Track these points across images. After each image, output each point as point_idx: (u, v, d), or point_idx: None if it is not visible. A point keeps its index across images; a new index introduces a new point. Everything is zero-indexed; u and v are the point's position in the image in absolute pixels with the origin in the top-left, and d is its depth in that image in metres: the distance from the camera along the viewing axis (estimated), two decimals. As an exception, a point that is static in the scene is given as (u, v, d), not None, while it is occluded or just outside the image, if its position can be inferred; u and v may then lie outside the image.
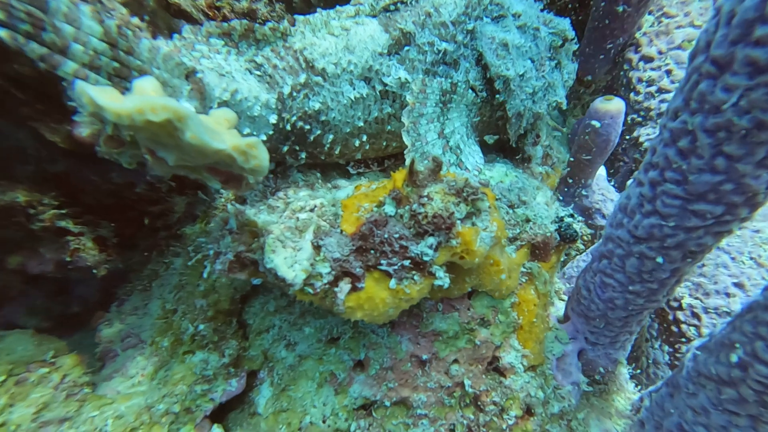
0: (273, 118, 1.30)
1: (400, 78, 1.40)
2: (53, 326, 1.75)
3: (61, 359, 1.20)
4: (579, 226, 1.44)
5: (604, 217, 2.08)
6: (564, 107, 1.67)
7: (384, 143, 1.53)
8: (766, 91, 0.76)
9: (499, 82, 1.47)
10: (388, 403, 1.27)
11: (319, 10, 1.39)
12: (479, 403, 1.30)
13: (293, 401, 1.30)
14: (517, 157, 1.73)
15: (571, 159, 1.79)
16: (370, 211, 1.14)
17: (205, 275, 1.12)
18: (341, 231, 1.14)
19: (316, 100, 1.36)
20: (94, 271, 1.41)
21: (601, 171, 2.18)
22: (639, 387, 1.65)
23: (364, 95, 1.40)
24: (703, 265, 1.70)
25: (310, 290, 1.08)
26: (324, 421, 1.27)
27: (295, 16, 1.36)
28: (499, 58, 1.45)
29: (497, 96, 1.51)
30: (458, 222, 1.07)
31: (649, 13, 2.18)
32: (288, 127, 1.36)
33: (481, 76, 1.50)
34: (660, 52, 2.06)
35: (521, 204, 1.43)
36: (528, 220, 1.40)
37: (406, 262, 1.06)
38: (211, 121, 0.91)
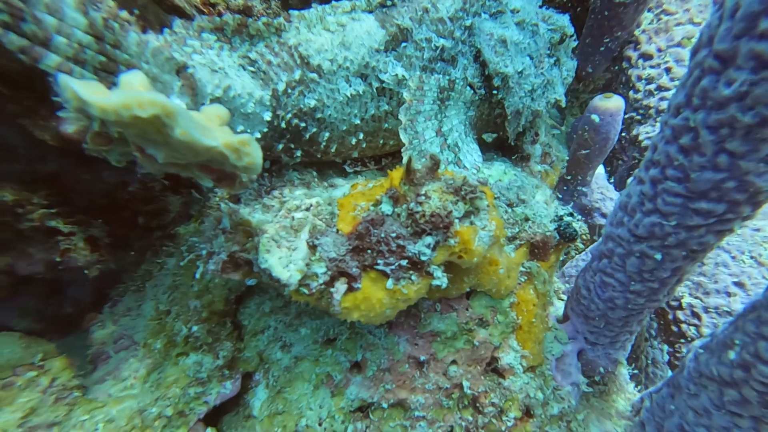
0: (267, 116, 1.28)
1: (397, 75, 1.38)
2: (45, 328, 1.72)
3: (50, 362, 1.17)
4: (578, 224, 1.42)
5: (603, 215, 2.07)
6: (563, 105, 1.65)
7: (381, 141, 1.50)
8: (771, 85, 0.74)
9: (498, 79, 1.45)
10: (385, 405, 1.25)
11: (314, 5, 1.37)
12: (478, 404, 1.28)
13: (289, 403, 1.28)
14: (515, 156, 1.71)
15: (570, 157, 1.78)
16: (367, 210, 1.12)
17: (197, 276, 1.10)
18: (337, 230, 1.12)
19: (312, 97, 1.34)
20: (86, 271, 1.39)
21: (600, 170, 2.17)
22: (638, 387, 1.64)
23: (361, 92, 1.38)
24: (703, 264, 1.68)
25: (306, 291, 1.06)
26: (320, 424, 1.25)
27: (290, 12, 1.33)
28: (497, 55, 1.43)
29: (495, 93, 1.49)
30: (456, 221, 1.05)
31: (649, 11, 2.16)
32: (283, 125, 1.34)
33: (479, 73, 1.48)
34: (659, 50, 2.04)
35: (520, 203, 1.41)
36: (527, 219, 1.39)
37: (404, 262, 1.05)
38: (202, 118, 0.89)
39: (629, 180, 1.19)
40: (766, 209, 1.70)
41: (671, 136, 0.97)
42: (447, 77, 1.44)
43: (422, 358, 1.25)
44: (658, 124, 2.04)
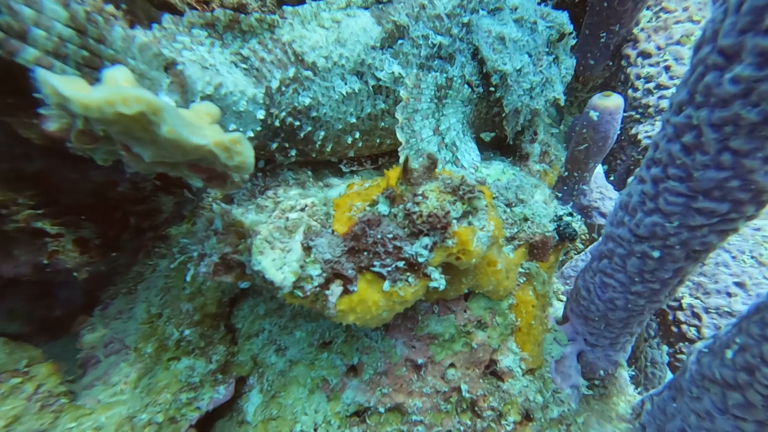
0: (261, 114, 1.25)
1: (393, 72, 1.36)
2: (35, 331, 1.69)
3: (36, 368, 1.13)
4: (578, 224, 1.40)
5: (602, 215, 2.05)
6: (562, 103, 1.63)
7: (377, 140, 1.48)
8: (777, 82, 0.72)
9: (496, 77, 1.43)
10: (382, 410, 1.23)
11: (308, 0, 1.34)
12: (476, 408, 1.26)
13: (283, 408, 1.26)
14: (514, 155, 1.69)
15: (569, 156, 1.76)
16: (363, 211, 1.10)
17: (188, 279, 1.07)
18: (333, 231, 1.10)
19: (306, 95, 1.31)
20: (75, 274, 1.35)
21: (599, 169, 2.15)
22: (638, 388, 1.62)
23: (357, 90, 1.35)
24: (704, 264, 1.67)
25: (300, 293, 1.03)
26: (315, 429, 1.23)
27: (284, 7, 1.30)
28: (495, 53, 1.41)
29: (493, 91, 1.46)
30: (454, 221, 1.03)
31: (648, 9, 2.15)
32: (277, 123, 1.31)
33: (477, 70, 1.46)
34: (658, 48, 2.03)
35: (519, 202, 1.39)
36: (526, 219, 1.36)
37: (400, 264, 1.02)
38: (191, 115, 0.86)
39: (630, 179, 1.17)
40: (766, 209, 1.68)
41: (673, 134, 0.95)
42: (444, 75, 1.41)
43: (420, 361, 1.23)
44: (657, 123, 2.03)
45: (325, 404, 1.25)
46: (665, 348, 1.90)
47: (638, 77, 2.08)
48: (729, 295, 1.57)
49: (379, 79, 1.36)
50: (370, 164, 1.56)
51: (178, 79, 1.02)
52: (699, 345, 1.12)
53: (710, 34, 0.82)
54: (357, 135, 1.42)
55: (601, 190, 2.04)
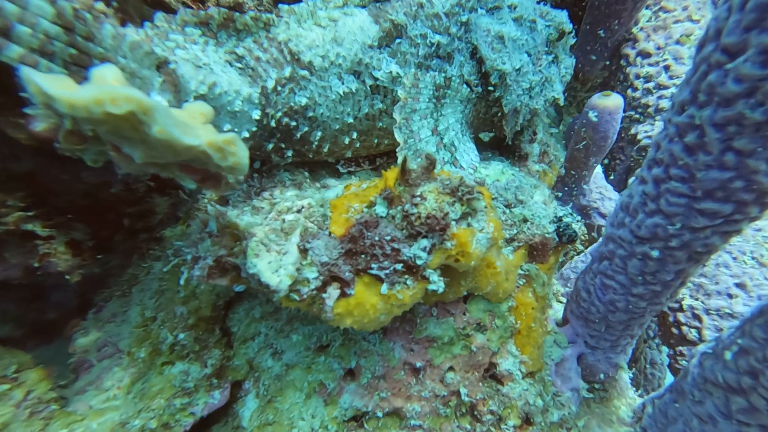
0: (256, 114, 1.23)
1: (391, 72, 1.34)
2: (26, 334, 1.66)
3: (25, 374, 1.11)
4: (578, 225, 1.38)
5: (601, 215, 2.04)
6: (561, 103, 1.62)
7: (375, 140, 1.46)
8: (783, 80, 0.71)
9: (495, 76, 1.41)
10: (380, 414, 1.21)
11: (305, -1, 1.32)
12: (476, 412, 1.24)
13: (280, 413, 1.23)
14: (513, 155, 1.68)
15: (568, 155, 1.75)
16: (361, 212, 1.08)
17: (181, 282, 1.04)
18: (330, 233, 1.08)
19: (303, 95, 1.29)
20: (67, 276, 1.33)
21: (598, 169, 2.14)
22: (637, 388, 1.61)
23: (354, 90, 1.33)
24: (704, 265, 1.66)
25: (296, 297, 1.01)
26: (312, 434, 1.21)
27: (279, 6, 1.28)
28: (494, 52, 1.39)
29: (492, 91, 1.45)
30: (453, 223, 1.01)
31: (647, 8, 2.13)
32: (273, 124, 1.29)
33: (476, 70, 1.44)
34: (658, 48, 2.02)
35: (518, 203, 1.37)
36: (525, 220, 1.35)
37: (399, 266, 1.00)
38: (183, 115, 0.84)
39: (631, 179, 1.15)
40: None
41: (675, 134, 0.93)
42: (443, 74, 1.40)
43: (418, 364, 1.21)
44: (656, 123, 2.01)
45: (323, 409, 1.23)
46: (665, 349, 1.89)
47: (637, 77, 2.07)
48: (730, 296, 1.56)
49: (376, 79, 1.34)
50: (367, 165, 1.54)
51: (170, 78, 1.00)
52: (701, 348, 1.10)
53: (713, 32, 0.80)
54: (354, 135, 1.40)
55: (601, 191, 2.02)
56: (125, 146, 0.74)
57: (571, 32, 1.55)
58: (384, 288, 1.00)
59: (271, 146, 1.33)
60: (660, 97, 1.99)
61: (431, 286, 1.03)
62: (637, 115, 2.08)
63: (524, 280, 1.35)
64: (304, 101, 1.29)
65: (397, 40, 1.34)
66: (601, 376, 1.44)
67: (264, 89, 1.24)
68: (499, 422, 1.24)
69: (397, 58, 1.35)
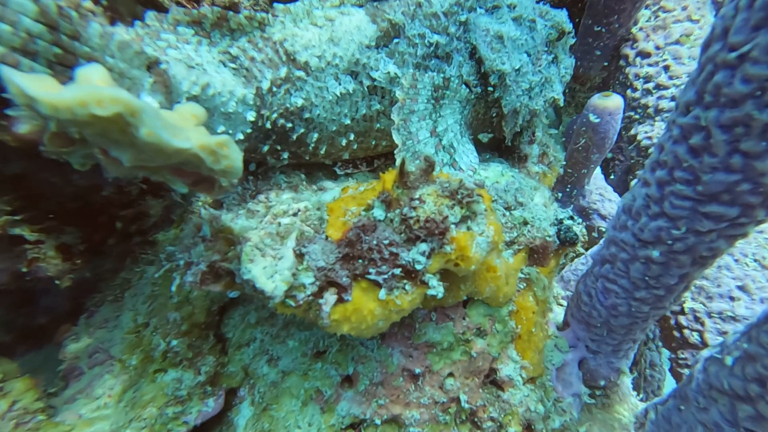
0: (251, 116, 1.20)
1: (389, 72, 1.32)
2: (16, 339, 1.62)
3: (10, 383, 1.07)
4: (579, 228, 1.36)
5: (601, 216, 2.02)
6: (561, 104, 1.60)
7: (373, 142, 1.44)
8: (793, 81, 0.69)
9: (494, 76, 1.39)
10: (378, 422, 1.18)
11: (300, -2, 1.30)
12: (476, 419, 1.22)
13: (275, 421, 1.21)
14: (512, 156, 1.65)
15: (568, 156, 1.73)
16: (358, 215, 1.05)
17: (173, 288, 1.01)
18: (326, 237, 1.05)
19: (299, 95, 1.26)
20: (57, 282, 1.29)
21: (597, 170, 2.12)
22: (636, 391, 1.59)
23: (351, 91, 1.31)
24: (705, 268, 1.64)
25: (292, 303, 0.99)
26: (309, 443, 1.18)
27: (275, 5, 1.25)
28: (493, 52, 1.37)
29: (492, 91, 1.43)
30: (452, 226, 0.98)
31: (646, 8, 2.12)
32: (268, 125, 1.26)
33: (475, 70, 1.42)
34: (657, 48, 2.00)
35: (518, 205, 1.35)
36: (526, 223, 1.33)
37: (397, 271, 0.98)
38: (174, 117, 0.81)
39: (633, 182, 1.13)
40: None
41: (680, 135, 0.91)
42: (441, 75, 1.37)
43: (417, 370, 1.19)
44: (656, 123, 2.00)
45: (319, 416, 1.20)
46: (665, 351, 1.87)
47: (637, 77, 2.05)
48: (732, 299, 1.54)
49: (374, 79, 1.31)
50: (365, 166, 1.51)
51: (161, 78, 0.97)
52: (705, 353, 1.08)
53: (720, 32, 0.78)
54: (352, 137, 1.38)
55: (601, 192, 2.01)
56: (113, 149, 0.71)
57: (570, 32, 1.53)
58: (382, 293, 0.98)
59: (266, 148, 1.30)
60: (660, 98, 1.98)
61: (430, 291, 1.01)
62: (637, 116, 2.07)
63: (525, 284, 1.33)
64: (300, 102, 1.26)
65: (395, 40, 1.32)
66: (603, 381, 1.42)
67: (259, 90, 1.21)
68: (499, 429, 1.22)
69: (395, 59, 1.33)
